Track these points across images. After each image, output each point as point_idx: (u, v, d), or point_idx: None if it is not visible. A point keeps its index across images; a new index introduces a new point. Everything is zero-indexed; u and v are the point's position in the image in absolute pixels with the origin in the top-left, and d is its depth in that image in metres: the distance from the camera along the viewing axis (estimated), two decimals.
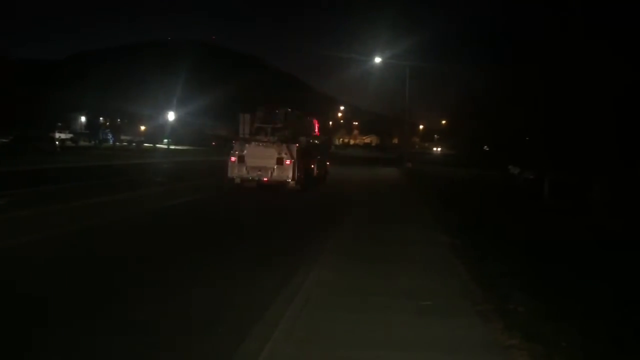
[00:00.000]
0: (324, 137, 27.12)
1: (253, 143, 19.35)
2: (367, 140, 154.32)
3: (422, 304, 6.20)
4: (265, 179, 19.06)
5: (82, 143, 63.64)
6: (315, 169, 22.32)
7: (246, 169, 19.12)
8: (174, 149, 66.91)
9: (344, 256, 8.68)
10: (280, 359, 4.61)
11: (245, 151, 19.20)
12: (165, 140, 71.28)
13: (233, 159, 19.30)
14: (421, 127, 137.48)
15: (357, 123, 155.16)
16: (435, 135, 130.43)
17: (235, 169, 19.25)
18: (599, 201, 14.94)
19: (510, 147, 24.28)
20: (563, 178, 19.27)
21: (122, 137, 74.92)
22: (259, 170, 19.07)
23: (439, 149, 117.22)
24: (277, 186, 19.12)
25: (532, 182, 24.13)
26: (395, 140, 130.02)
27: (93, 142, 66.22)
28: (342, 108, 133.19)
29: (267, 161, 18.97)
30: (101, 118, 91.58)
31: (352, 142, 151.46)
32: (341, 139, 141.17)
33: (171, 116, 72.90)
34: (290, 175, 18.97)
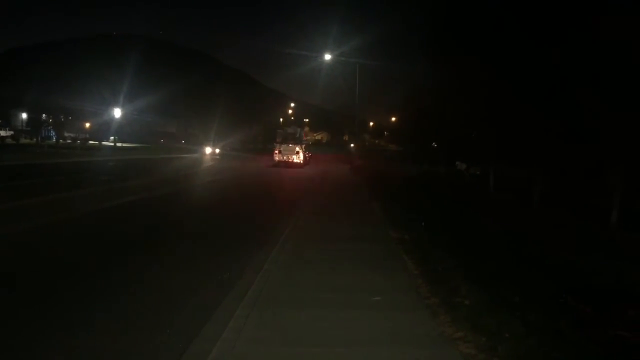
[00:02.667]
0: (307, 140, 48.44)
1: (284, 145, 40.23)
2: (318, 136, 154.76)
3: (372, 300, 6.26)
4: (290, 161, 39.63)
5: (23, 140, 61.09)
6: (307, 157, 43.25)
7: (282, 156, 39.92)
8: (121, 147, 65.29)
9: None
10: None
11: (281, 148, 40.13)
12: (112, 138, 69.43)
13: (276, 151, 40.31)
14: (371, 123, 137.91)
15: (307, 120, 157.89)
16: (385, 132, 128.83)
17: (276, 156, 40.01)
18: (540, 193, 15.48)
19: (457, 142, 24.74)
20: (508, 172, 19.85)
21: (66, 135, 72.45)
22: (288, 157, 39.79)
23: (391, 145, 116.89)
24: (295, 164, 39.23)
25: (479, 177, 24.77)
26: (346, 137, 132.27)
27: (35, 140, 63.70)
28: (292, 105, 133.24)
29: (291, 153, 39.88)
30: (43, 115, 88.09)
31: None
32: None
33: (117, 113, 71.05)
34: (302, 160, 40.17)
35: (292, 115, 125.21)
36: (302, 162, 39.94)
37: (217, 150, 56.57)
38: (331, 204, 16.72)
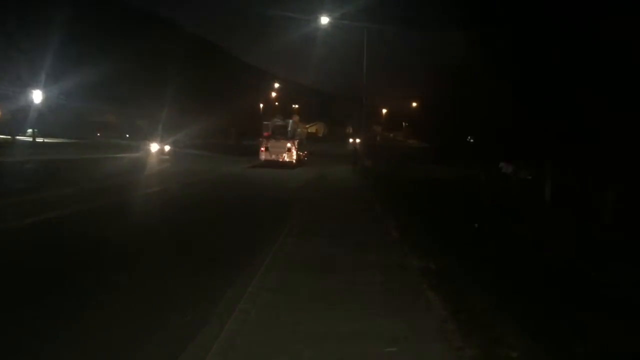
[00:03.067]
0: (301, 134, 49.83)
1: (272, 140, 43.34)
2: (312, 129, 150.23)
3: (386, 351, 6.24)
4: (280, 160, 42.40)
5: None
6: (303, 156, 47.30)
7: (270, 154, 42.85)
8: (43, 143, 65.06)
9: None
10: None
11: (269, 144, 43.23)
12: (30, 131, 69.14)
13: (263, 148, 43.18)
14: (384, 111, 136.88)
15: (297, 106, 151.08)
16: (404, 123, 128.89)
17: (263, 155, 42.99)
18: (611, 213, 15.39)
19: (502, 137, 24.83)
20: (569, 181, 19.81)
21: None
22: (277, 156, 42.55)
23: (410, 141, 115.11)
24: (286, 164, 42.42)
25: (529, 184, 24.72)
26: (349, 130, 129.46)
27: None
28: (276, 85, 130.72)
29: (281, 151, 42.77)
30: None
31: None
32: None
33: (37, 97, 70.46)
34: (294, 159, 43.01)
35: (276, 99, 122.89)
36: (294, 161, 43.03)
37: (167, 148, 53.41)
38: (330, 217, 16.80)
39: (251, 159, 45.35)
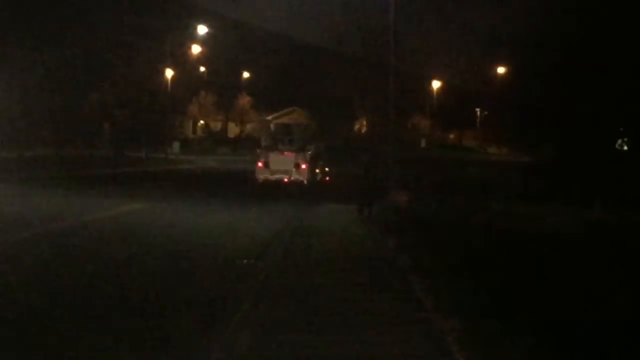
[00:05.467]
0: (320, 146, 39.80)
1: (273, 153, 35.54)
2: (283, 119, 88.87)
3: None
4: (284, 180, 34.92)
5: None
6: (322, 175, 39.58)
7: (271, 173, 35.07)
8: None
9: None
10: None
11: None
12: None
13: (260, 163, 35.48)
14: (437, 86, 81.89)
15: (248, 75, 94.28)
16: (478, 110, 75.42)
17: (261, 174, 35.30)
18: None
19: None
20: None
21: None
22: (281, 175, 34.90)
23: (491, 149, 72.43)
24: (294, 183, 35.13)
25: None
26: (361, 125, 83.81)
27: None
28: (202, 30, 79.14)
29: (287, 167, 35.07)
30: None
31: (238, 127, 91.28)
32: (202, 122, 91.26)
33: None
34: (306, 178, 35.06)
35: (200, 60, 78.90)
36: (306, 181, 34.53)
37: None
38: None
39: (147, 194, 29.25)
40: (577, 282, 12.18)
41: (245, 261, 13.83)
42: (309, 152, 35.75)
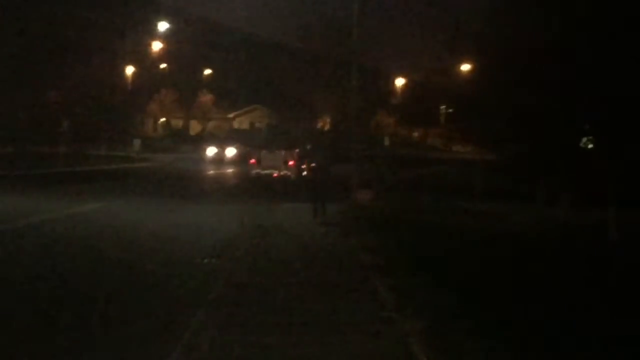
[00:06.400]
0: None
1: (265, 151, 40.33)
2: (240, 120, 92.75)
3: None
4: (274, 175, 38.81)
5: None
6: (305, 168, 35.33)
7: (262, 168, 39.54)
8: None
9: None
10: None
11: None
12: None
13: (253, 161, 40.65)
14: (400, 84, 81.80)
15: (210, 71, 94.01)
16: (442, 109, 62.83)
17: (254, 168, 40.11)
18: None
19: None
20: None
21: None
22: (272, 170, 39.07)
23: (456, 147, 73.29)
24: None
25: None
26: (326, 124, 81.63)
27: None
28: (164, 27, 76.41)
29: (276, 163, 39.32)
30: None
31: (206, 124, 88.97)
32: (163, 120, 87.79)
33: None
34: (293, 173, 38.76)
35: (161, 57, 74.77)
36: (293, 175, 39.24)
37: None
38: None
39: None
40: (541, 282, 12.33)
41: (205, 260, 13.55)
42: (297, 151, 39.72)
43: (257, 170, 39.77)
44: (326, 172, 22.06)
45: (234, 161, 54.51)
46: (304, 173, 37.64)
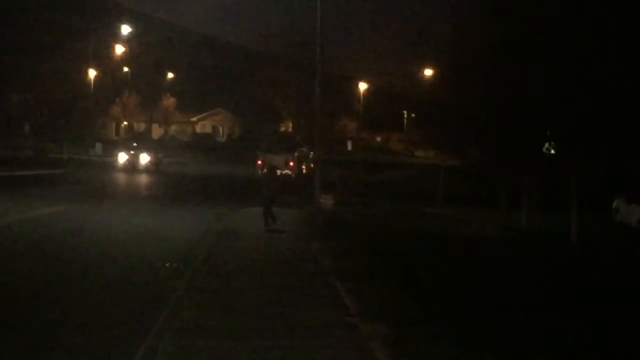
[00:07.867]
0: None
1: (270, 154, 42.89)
2: (203, 124, 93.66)
3: None
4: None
5: None
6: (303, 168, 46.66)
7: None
8: None
9: None
10: None
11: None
12: None
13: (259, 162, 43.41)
14: (363, 88, 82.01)
15: (173, 75, 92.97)
16: (405, 114, 73.94)
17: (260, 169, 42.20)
18: None
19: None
20: None
21: None
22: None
23: (417, 152, 72.33)
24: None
25: None
26: (288, 127, 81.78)
27: None
28: (126, 30, 76.54)
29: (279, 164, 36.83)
30: None
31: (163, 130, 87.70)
32: (125, 123, 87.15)
33: None
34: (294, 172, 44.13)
35: (124, 60, 78.73)
36: (294, 174, 43.82)
37: None
38: None
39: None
40: (500, 287, 12.63)
41: (167, 265, 13.60)
42: (296, 154, 45.83)
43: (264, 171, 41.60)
44: (276, 180, 21.41)
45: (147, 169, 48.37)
46: (304, 172, 46.05)
